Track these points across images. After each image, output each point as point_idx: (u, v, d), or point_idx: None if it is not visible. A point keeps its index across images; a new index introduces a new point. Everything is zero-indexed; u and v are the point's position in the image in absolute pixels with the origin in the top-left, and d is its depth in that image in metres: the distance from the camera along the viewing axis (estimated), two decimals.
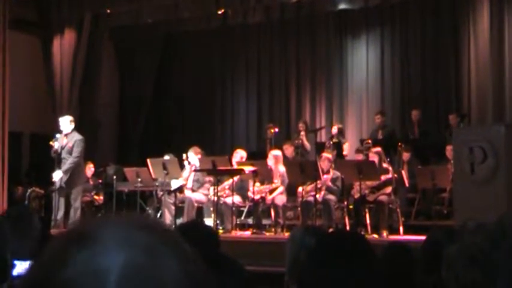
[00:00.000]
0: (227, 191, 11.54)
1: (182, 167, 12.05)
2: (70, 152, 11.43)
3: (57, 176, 11.39)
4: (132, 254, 0.84)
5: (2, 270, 2.23)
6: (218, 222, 11.26)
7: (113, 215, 0.91)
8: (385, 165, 10.92)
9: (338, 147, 13.25)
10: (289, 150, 13.13)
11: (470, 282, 1.70)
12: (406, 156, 12.15)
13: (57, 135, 11.58)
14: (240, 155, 11.92)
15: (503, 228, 1.75)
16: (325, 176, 11.03)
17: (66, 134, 11.52)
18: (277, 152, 11.67)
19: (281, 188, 11.29)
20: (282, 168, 11.37)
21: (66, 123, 11.60)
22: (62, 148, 11.45)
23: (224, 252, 1.97)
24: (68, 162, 11.38)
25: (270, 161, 11.39)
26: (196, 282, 0.88)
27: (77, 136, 11.50)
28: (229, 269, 1.78)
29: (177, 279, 0.85)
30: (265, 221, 11.59)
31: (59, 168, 11.43)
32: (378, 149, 11.10)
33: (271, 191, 11.27)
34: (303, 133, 13.84)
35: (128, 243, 0.85)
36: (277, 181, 11.31)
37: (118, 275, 0.82)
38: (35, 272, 0.87)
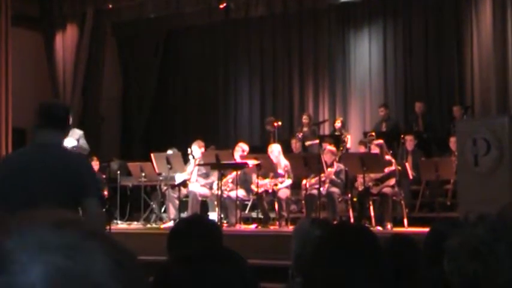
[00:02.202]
0: (230, 185, 11.55)
1: (186, 161, 12.06)
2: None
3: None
4: (52, 261, 0.75)
5: None
6: (222, 216, 11.28)
7: (18, 219, 0.80)
8: (387, 157, 10.91)
9: (338, 140, 13.26)
10: (297, 145, 13.17)
11: (472, 274, 1.70)
12: (410, 145, 12.12)
13: None
14: (241, 148, 11.94)
15: (505, 219, 1.75)
16: (329, 169, 11.04)
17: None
18: (276, 146, 11.68)
19: (289, 181, 11.31)
20: (285, 161, 11.39)
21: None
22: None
23: (227, 246, 1.98)
24: (83, 147, 11.20)
25: (272, 155, 11.41)
26: (128, 272, 0.80)
27: (78, 131, 11.47)
28: (232, 263, 1.78)
29: (108, 272, 0.77)
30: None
31: None
32: (380, 141, 11.10)
33: (277, 184, 11.30)
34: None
35: (45, 250, 0.76)
36: (282, 172, 11.32)
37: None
38: None
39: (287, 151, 12.47)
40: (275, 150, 11.47)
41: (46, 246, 0.76)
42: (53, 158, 3.90)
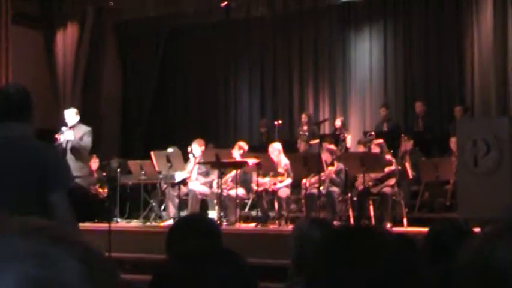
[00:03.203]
0: (230, 184, 11.56)
1: (186, 159, 12.06)
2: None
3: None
4: (22, 270, 0.73)
5: None
6: (222, 214, 11.28)
7: None
8: (388, 157, 10.92)
9: (338, 139, 13.27)
10: (302, 145, 13.19)
11: None
12: (408, 145, 12.10)
13: (63, 128, 11.53)
14: (240, 147, 11.94)
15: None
16: (329, 168, 11.04)
17: (72, 126, 11.44)
18: (277, 145, 11.68)
19: (289, 180, 11.31)
20: (285, 160, 11.39)
21: (71, 115, 11.53)
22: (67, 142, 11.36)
23: (226, 246, 1.98)
24: (81, 144, 11.18)
25: (272, 154, 11.41)
26: (100, 272, 0.78)
27: (84, 127, 11.43)
28: (231, 262, 1.79)
29: (79, 276, 0.76)
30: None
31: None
32: (380, 140, 11.11)
33: (276, 184, 11.30)
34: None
35: (14, 259, 0.74)
36: (282, 171, 11.33)
37: None
38: None
39: (288, 151, 12.47)
40: (276, 148, 11.48)
41: (15, 255, 0.74)
42: (12, 153, 3.64)
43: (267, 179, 11.37)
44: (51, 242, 0.77)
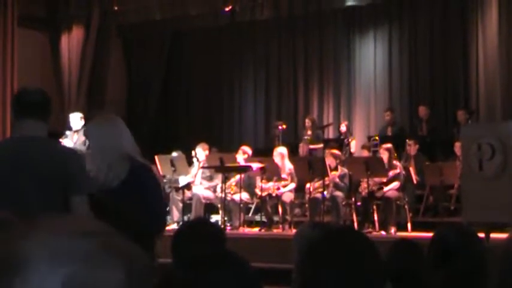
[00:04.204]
0: (234, 188, 11.55)
1: (190, 163, 12.06)
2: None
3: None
4: (70, 272, 0.75)
5: None
6: (226, 219, 11.28)
7: (36, 227, 0.79)
8: (395, 162, 10.92)
9: (342, 144, 13.25)
10: (304, 148, 13.15)
11: None
12: (413, 150, 12.07)
13: (67, 133, 11.54)
14: (244, 151, 11.93)
15: None
16: (332, 173, 11.03)
17: (77, 130, 11.45)
18: (282, 149, 11.66)
19: (292, 185, 11.30)
20: (289, 165, 11.38)
21: (76, 119, 11.54)
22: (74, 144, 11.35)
23: (230, 250, 1.97)
24: (82, 150, 11.15)
25: (276, 158, 11.40)
26: (138, 284, 0.80)
27: None
28: (235, 266, 1.78)
29: (119, 285, 0.77)
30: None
31: None
32: (389, 145, 11.08)
33: (280, 188, 11.29)
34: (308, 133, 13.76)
35: (64, 261, 0.76)
36: (285, 176, 11.32)
37: None
38: None
39: (293, 155, 12.45)
40: (279, 153, 11.47)
41: (65, 257, 0.76)
42: (36, 152, 3.65)
43: (270, 184, 11.36)
44: (103, 248, 0.78)
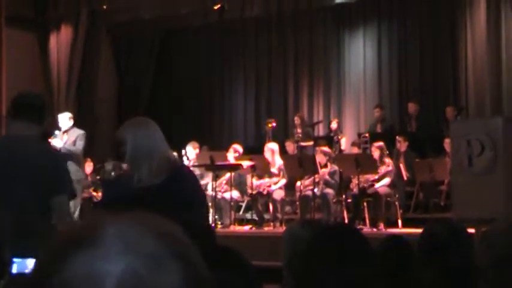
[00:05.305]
0: (225, 186, 11.55)
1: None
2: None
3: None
4: (133, 264, 0.79)
5: (0, 267, 2.23)
6: (217, 217, 11.27)
7: (121, 214, 0.85)
8: (387, 160, 10.94)
9: (332, 141, 13.26)
10: (290, 147, 13.15)
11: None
12: (403, 147, 12.10)
13: (56, 132, 11.48)
14: (235, 150, 11.93)
15: None
16: (322, 170, 11.04)
17: (66, 130, 11.39)
18: (273, 145, 11.68)
19: (283, 181, 11.31)
20: (280, 161, 11.39)
21: (65, 120, 11.48)
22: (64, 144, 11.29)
23: (228, 246, 1.97)
24: (71, 149, 11.13)
25: (267, 154, 11.42)
26: None
27: (78, 131, 11.39)
28: (235, 263, 1.78)
29: None
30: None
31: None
32: (380, 143, 11.09)
33: (273, 184, 11.30)
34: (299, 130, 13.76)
35: (132, 251, 0.80)
36: (275, 171, 11.32)
37: (114, 284, 0.78)
38: (33, 271, 0.84)
39: (282, 152, 12.46)
40: (270, 148, 11.48)
41: (134, 248, 0.81)
42: (26, 151, 3.79)
43: (262, 181, 11.37)
44: (171, 256, 0.82)
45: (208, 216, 4.95)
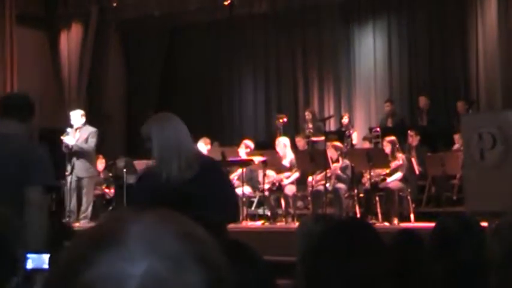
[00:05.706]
0: (236, 182, 11.56)
1: None
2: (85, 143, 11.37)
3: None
4: (156, 264, 0.79)
5: (11, 264, 2.23)
6: None
7: (146, 212, 0.85)
8: (399, 154, 10.91)
9: (343, 136, 13.24)
10: (301, 142, 13.15)
11: None
12: (414, 140, 12.07)
13: (68, 130, 11.53)
14: (247, 145, 11.93)
15: None
16: (334, 165, 11.03)
17: (78, 128, 11.45)
18: (284, 139, 11.68)
19: (296, 174, 11.32)
20: (291, 155, 11.41)
21: (77, 117, 11.53)
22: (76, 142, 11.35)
23: (240, 240, 1.97)
24: (83, 147, 11.26)
25: (279, 147, 11.43)
26: None
27: (90, 129, 11.47)
28: (247, 259, 1.78)
29: None
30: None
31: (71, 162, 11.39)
32: (392, 137, 11.05)
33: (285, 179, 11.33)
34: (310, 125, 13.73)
35: (155, 251, 0.80)
36: (287, 164, 11.31)
37: (136, 285, 0.78)
38: (55, 270, 0.84)
39: (292, 148, 12.45)
40: (282, 142, 11.49)
41: (158, 248, 0.80)
42: (8, 148, 3.88)
43: (274, 174, 11.40)
44: (194, 258, 0.81)
45: (238, 206, 4.96)
